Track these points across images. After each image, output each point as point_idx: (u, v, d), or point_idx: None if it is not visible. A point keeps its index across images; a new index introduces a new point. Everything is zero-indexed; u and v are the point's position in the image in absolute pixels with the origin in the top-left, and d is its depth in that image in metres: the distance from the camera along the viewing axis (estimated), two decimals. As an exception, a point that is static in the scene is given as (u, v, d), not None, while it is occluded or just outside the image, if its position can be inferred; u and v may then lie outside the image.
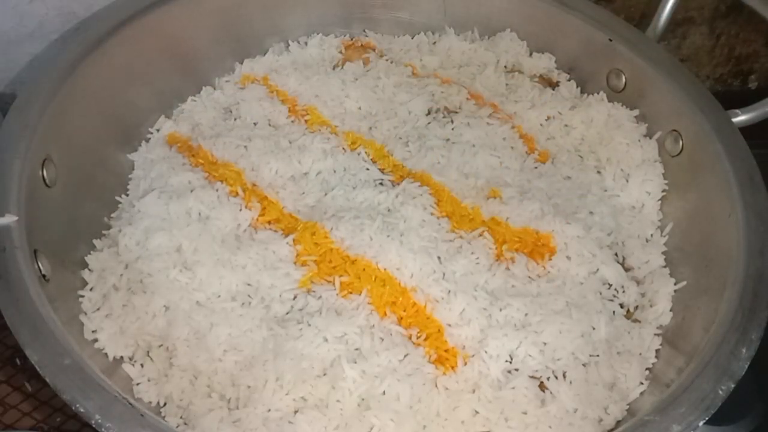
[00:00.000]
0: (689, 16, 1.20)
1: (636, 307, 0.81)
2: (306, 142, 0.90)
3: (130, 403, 0.59)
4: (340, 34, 1.06)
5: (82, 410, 0.57)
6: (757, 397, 0.85)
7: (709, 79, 1.30)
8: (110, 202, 0.85)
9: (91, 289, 0.75)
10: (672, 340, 0.78)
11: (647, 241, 0.87)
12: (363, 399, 0.69)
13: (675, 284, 0.81)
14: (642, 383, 0.74)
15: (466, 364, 0.72)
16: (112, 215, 0.84)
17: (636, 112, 0.94)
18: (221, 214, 0.80)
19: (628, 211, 0.89)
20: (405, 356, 0.72)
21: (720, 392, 0.64)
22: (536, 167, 0.91)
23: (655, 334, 0.78)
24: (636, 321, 0.80)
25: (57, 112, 0.78)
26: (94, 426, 0.57)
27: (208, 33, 0.97)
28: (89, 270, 0.77)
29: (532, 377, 0.72)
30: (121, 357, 0.72)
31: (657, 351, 0.77)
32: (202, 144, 0.89)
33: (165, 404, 0.70)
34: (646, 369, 0.76)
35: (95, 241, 0.80)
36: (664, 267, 0.84)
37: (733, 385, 0.64)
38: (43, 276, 0.68)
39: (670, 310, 0.80)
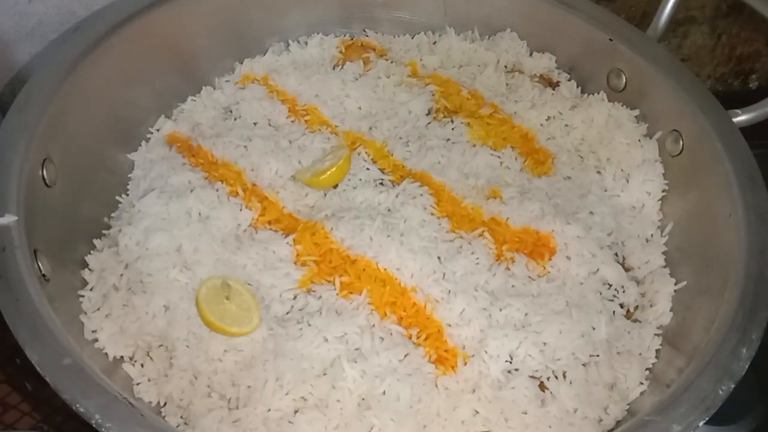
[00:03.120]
0: (690, 16, 1.20)
1: (636, 307, 0.81)
2: (306, 142, 0.90)
3: (130, 403, 0.59)
4: (340, 34, 1.05)
5: (82, 410, 0.57)
6: (757, 397, 0.85)
7: (710, 79, 1.29)
8: (110, 202, 0.85)
9: (91, 289, 0.75)
10: (672, 340, 0.78)
11: (647, 241, 0.87)
12: (363, 399, 0.69)
13: (675, 284, 0.81)
14: (642, 383, 0.74)
15: (466, 364, 0.72)
16: (112, 215, 0.84)
17: (636, 112, 0.94)
18: (221, 214, 0.81)
19: (628, 211, 0.89)
20: (405, 356, 0.72)
21: (720, 392, 0.64)
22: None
23: (655, 334, 0.78)
24: (636, 321, 0.80)
25: (57, 112, 0.78)
26: (94, 426, 0.57)
27: (208, 33, 0.97)
28: (89, 270, 0.77)
29: (532, 377, 0.72)
30: (121, 357, 0.72)
31: (657, 351, 0.77)
32: (202, 144, 0.89)
33: (165, 404, 0.70)
34: (646, 369, 0.76)
35: (95, 241, 0.80)
36: (664, 267, 0.84)
37: (733, 385, 0.64)
38: (43, 276, 0.68)
39: (670, 310, 0.80)
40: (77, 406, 0.57)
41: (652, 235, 0.87)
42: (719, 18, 1.21)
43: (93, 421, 0.57)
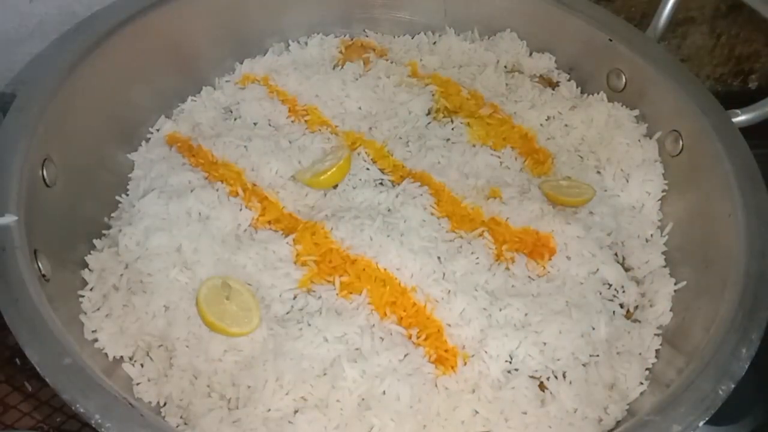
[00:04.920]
0: (690, 16, 1.20)
1: (636, 307, 0.81)
2: (306, 142, 0.90)
3: (130, 403, 0.59)
4: (340, 34, 1.06)
5: (82, 410, 0.57)
6: (757, 397, 0.85)
7: (710, 79, 1.29)
8: (110, 202, 0.85)
9: (91, 289, 0.75)
10: (672, 340, 0.78)
11: (647, 241, 0.87)
12: (363, 399, 0.69)
13: (675, 284, 0.81)
14: (642, 383, 0.74)
15: (466, 364, 0.72)
16: (112, 215, 0.84)
17: (636, 112, 0.94)
18: (221, 214, 0.81)
19: (628, 211, 0.89)
20: (405, 356, 0.72)
21: (720, 392, 0.64)
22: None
23: (655, 334, 0.78)
24: (636, 321, 0.80)
25: (57, 112, 0.78)
26: (94, 426, 0.57)
27: (208, 33, 0.97)
28: (89, 270, 0.77)
29: (532, 377, 0.72)
30: (121, 357, 0.72)
31: (657, 351, 0.77)
32: (202, 144, 0.89)
33: (165, 404, 0.70)
34: (646, 369, 0.76)
35: (95, 241, 0.80)
36: (664, 267, 0.84)
37: (733, 385, 0.64)
38: (43, 276, 0.68)
39: (670, 310, 0.80)
40: (77, 406, 0.57)
41: (651, 235, 0.87)
42: (719, 18, 1.21)
43: (93, 421, 0.57)
